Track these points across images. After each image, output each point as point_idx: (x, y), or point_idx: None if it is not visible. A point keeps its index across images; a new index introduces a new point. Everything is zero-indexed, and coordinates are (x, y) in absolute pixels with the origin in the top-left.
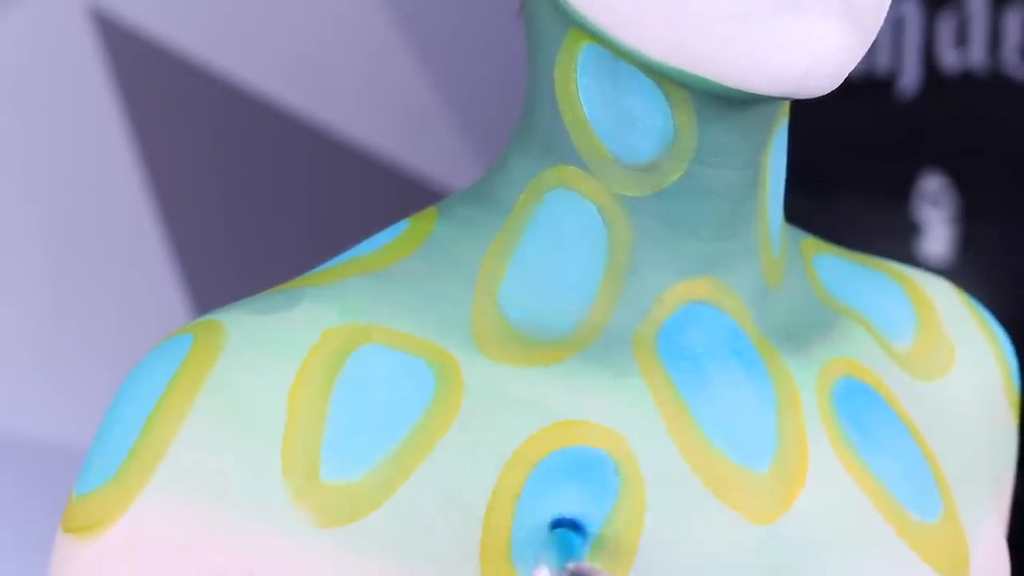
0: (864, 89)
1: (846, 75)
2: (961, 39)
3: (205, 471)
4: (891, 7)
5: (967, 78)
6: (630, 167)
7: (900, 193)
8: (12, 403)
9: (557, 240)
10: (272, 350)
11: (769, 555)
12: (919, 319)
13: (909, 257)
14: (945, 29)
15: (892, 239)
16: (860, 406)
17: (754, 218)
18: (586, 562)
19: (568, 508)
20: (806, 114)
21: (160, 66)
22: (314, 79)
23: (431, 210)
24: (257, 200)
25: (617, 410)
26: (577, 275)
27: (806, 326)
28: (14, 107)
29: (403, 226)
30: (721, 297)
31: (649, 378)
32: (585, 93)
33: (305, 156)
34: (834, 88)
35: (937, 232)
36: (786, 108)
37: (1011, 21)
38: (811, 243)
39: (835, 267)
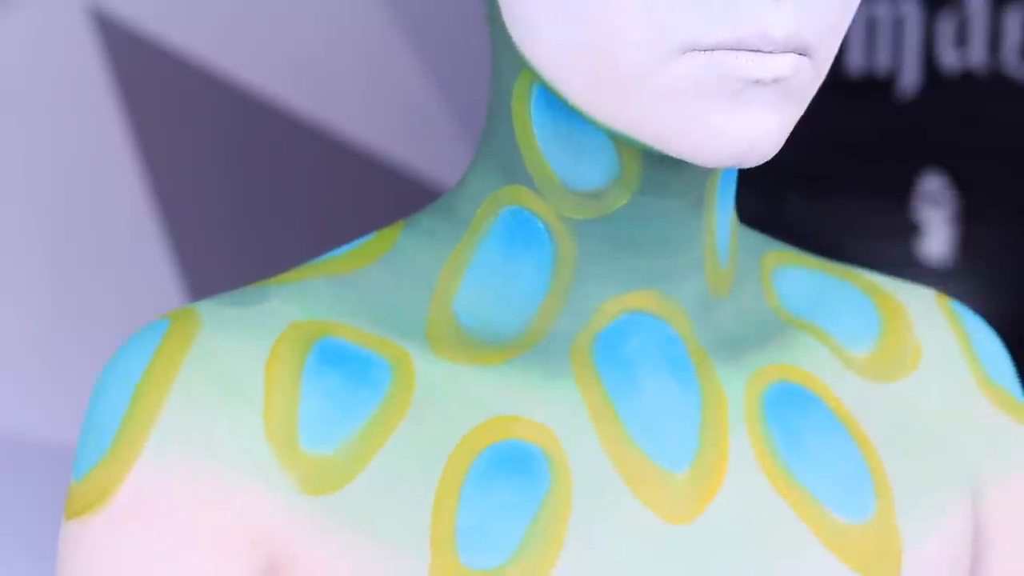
0: (864, 89)
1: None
2: (961, 39)
3: (197, 433)
4: (891, 7)
5: (967, 78)
6: (577, 193)
7: (900, 193)
8: (12, 403)
9: (509, 253)
10: (247, 331)
11: (681, 555)
12: (884, 325)
13: (909, 257)
14: (945, 29)
15: (892, 239)
16: (793, 410)
17: (699, 235)
18: None
19: (502, 498)
20: (806, 114)
21: (160, 66)
22: (314, 79)
23: (399, 222)
24: (257, 200)
25: (550, 408)
26: (525, 285)
27: (748, 334)
28: (14, 107)
29: (371, 236)
30: (662, 308)
31: (581, 381)
32: (538, 124)
33: (305, 156)
34: (773, 154)
35: (937, 232)
36: None
37: (1011, 21)
38: (777, 255)
39: (798, 280)
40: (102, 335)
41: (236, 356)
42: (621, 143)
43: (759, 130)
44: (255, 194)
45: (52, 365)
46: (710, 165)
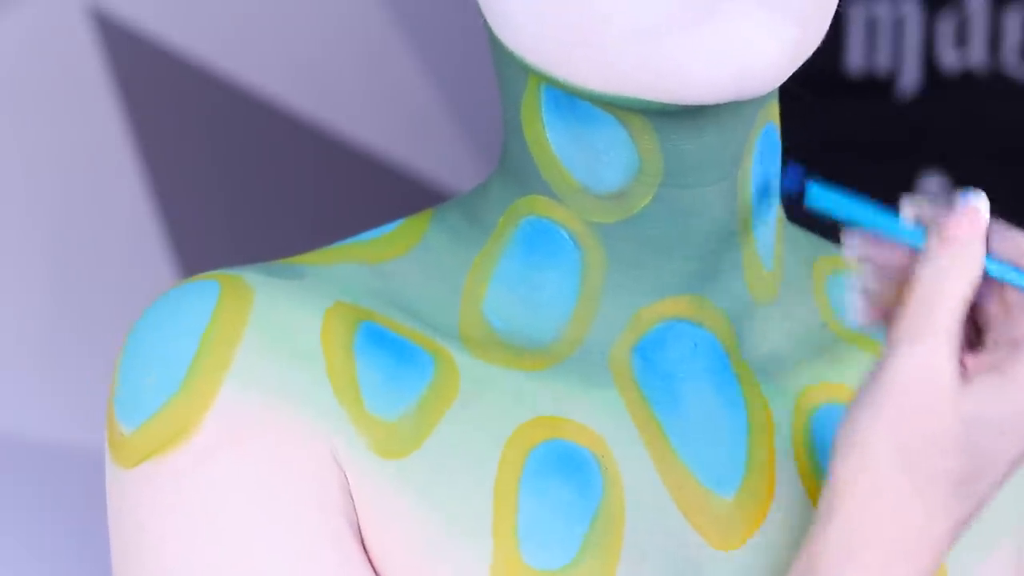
0: (864, 89)
1: (797, 62)
2: (961, 39)
3: (273, 381)
4: (891, 7)
5: (967, 78)
6: (599, 196)
7: (900, 193)
8: (12, 403)
9: (532, 263)
10: (297, 301)
11: None
12: None
13: None
14: (945, 29)
15: None
16: None
17: (736, 233)
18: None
19: (561, 498)
20: (806, 114)
21: (160, 66)
22: (314, 79)
23: (427, 212)
24: (257, 200)
25: (597, 416)
26: (553, 295)
27: (796, 348)
28: (14, 107)
29: (399, 222)
30: (702, 314)
31: (624, 393)
32: (550, 130)
33: (305, 156)
34: (785, 77)
35: None
36: (767, 114)
37: (1011, 21)
38: (834, 260)
39: None
40: (102, 335)
41: (293, 322)
42: (634, 127)
43: (743, 46)
44: (255, 194)
45: (52, 365)
46: (704, 100)
